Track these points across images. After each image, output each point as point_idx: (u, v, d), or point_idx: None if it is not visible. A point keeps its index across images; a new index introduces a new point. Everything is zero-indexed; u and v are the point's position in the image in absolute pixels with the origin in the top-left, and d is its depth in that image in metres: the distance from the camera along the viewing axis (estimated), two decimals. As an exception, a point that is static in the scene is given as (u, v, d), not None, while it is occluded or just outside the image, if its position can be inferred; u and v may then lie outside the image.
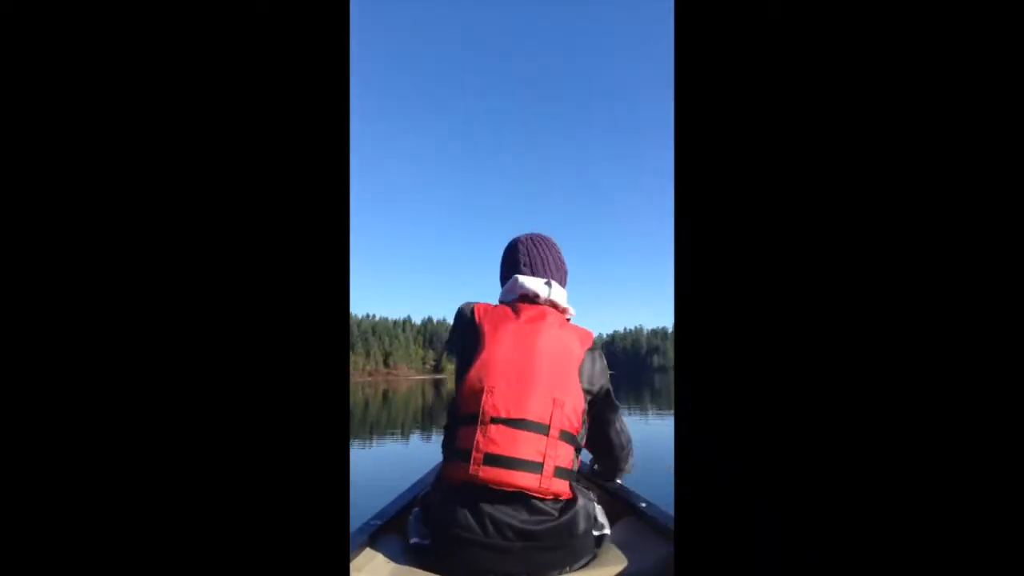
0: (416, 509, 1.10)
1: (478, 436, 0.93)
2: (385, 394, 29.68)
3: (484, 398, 0.96)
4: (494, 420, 0.94)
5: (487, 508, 0.91)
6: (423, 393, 29.98)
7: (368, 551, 1.05)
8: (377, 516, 1.23)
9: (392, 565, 0.99)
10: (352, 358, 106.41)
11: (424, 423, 12.32)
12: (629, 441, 1.25)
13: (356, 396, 28.11)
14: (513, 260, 1.23)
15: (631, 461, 1.28)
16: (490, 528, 0.90)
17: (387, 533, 1.17)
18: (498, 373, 0.98)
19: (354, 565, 0.98)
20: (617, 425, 1.21)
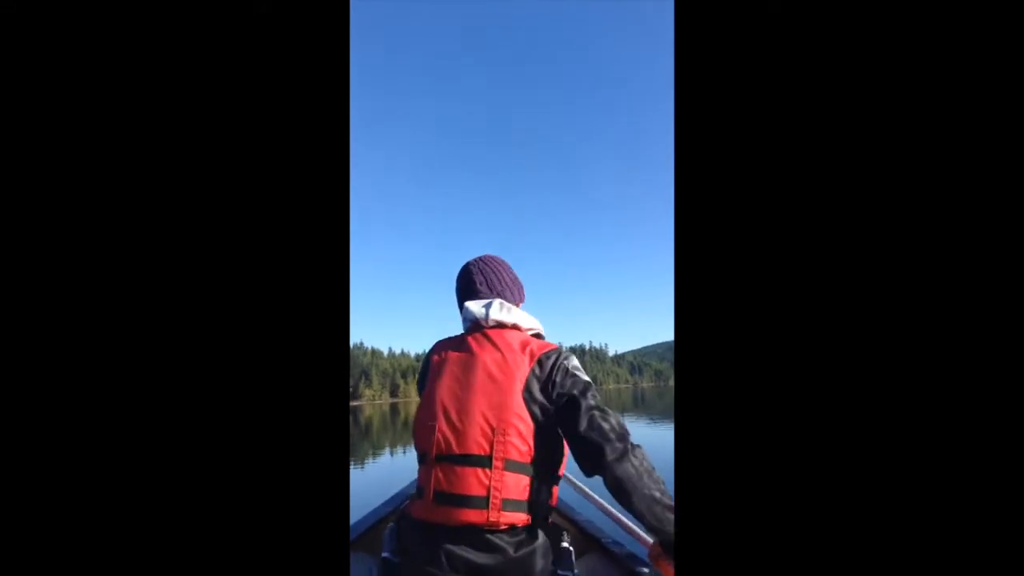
0: (392, 524, 1.09)
1: (431, 474, 0.94)
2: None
3: (431, 436, 0.95)
4: (439, 458, 0.94)
5: (445, 544, 0.91)
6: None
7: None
8: (353, 528, 1.24)
9: None
10: None
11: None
12: (614, 431, 0.94)
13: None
14: (466, 285, 1.15)
15: (636, 451, 0.94)
16: (445, 565, 0.90)
17: (360, 549, 1.19)
18: (440, 409, 0.96)
19: None
20: (586, 423, 0.94)
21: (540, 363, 0.99)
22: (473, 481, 0.91)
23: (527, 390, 0.97)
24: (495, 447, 0.92)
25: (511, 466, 0.93)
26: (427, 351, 1.12)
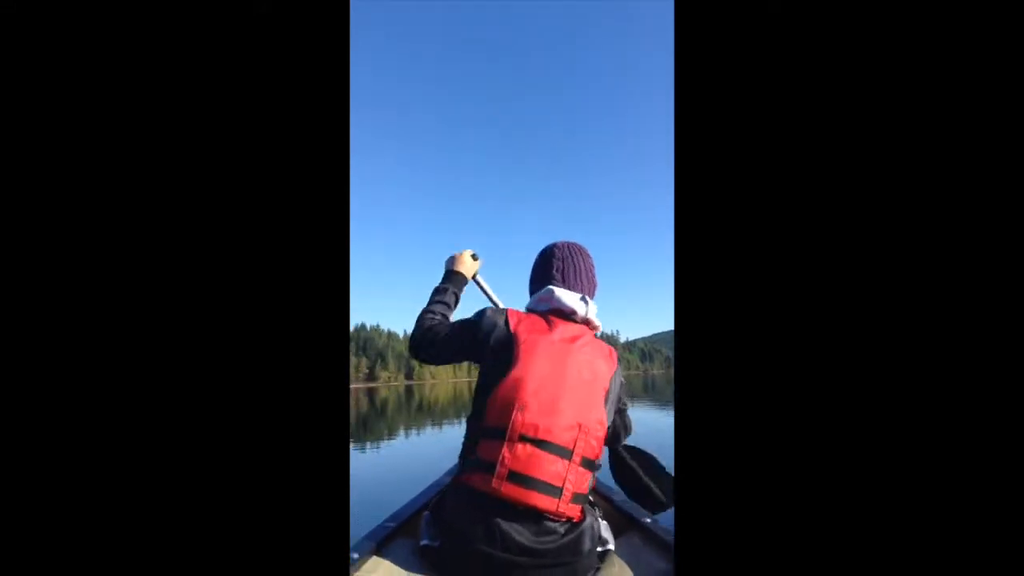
0: (426, 513, 1.11)
1: (504, 451, 0.93)
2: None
3: (514, 414, 0.95)
4: (522, 438, 0.94)
5: (500, 522, 0.92)
6: (356, 402, 29.06)
7: (376, 558, 1.07)
8: (391, 519, 1.27)
9: (401, 571, 1.02)
10: None
11: (358, 434, 12.06)
12: (629, 429, 1.28)
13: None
14: (547, 267, 1.20)
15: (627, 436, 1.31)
16: (499, 541, 0.91)
17: (399, 536, 1.21)
18: (530, 390, 0.96)
19: (366, 567, 1.02)
20: (623, 427, 1.25)
21: (616, 373, 1.10)
22: (551, 470, 0.93)
23: (608, 395, 1.06)
24: (578, 443, 0.96)
25: (586, 463, 0.98)
26: (487, 319, 1.09)
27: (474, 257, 1.32)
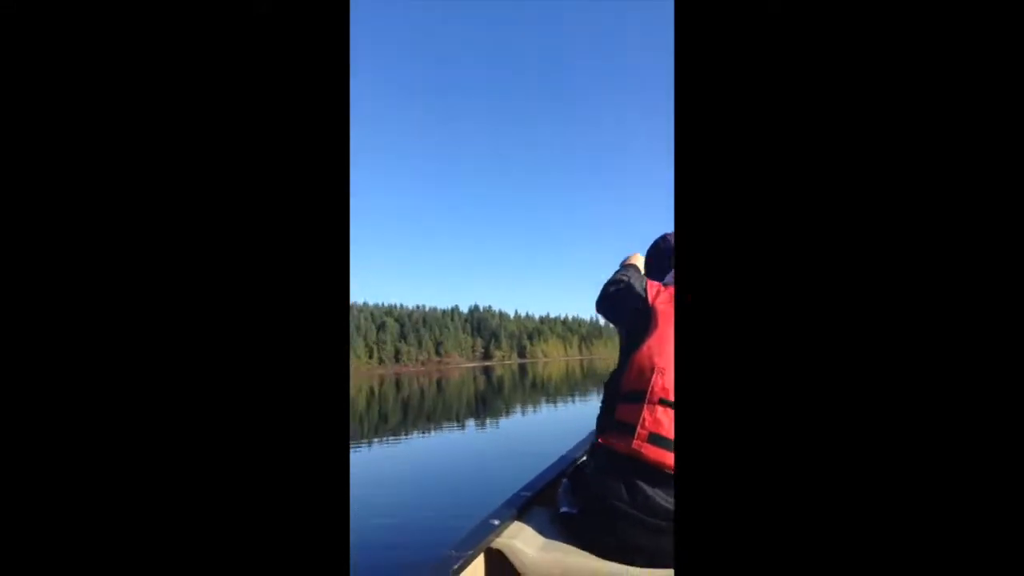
0: (565, 480, 1.15)
1: (644, 413, 0.96)
2: (439, 383, 30.44)
3: (654, 378, 0.98)
4: (662, 401, 0.98)
5: (643, 485, 0.94)
6: (475, 380, 30.53)
7: (518, 523, 1.12)
8: (526, 488, 1.31)
9: (542, 538, 1.06)
10: (405, 348, 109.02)
11: (478, 412, 12.65)
12: None
13: (412, 386, 28.99)
14: (661, 255, 1.38)
15: None
16: (642, 504, 0.93)
17: (536, 504, 1.24)
18: (669, 355, 1.00)
19: (507, 533, 1.07)
20: None
21: None
22: None
23: None
24: None
25: None
26: (629, 287, 1.17)
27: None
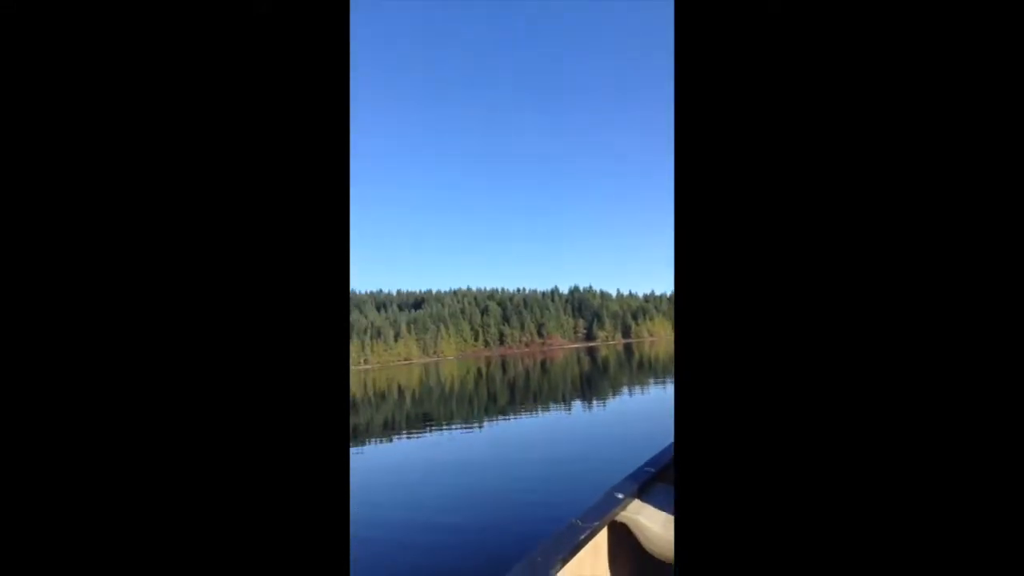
0: None
1: None
2: (543, 364, 30.82)
3: None
4: None
5: None
6: (579, 361, 30.50)
7: (639, 500, 1.15)
8: (649, 464, 1.34)
9: (664, 514, 1.08)
10: (508, 331, 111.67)
11: (584, 392, 12.64)
12: None
13: (516, 368, 29.68)
14: None
15: None
16: None
17: (659, 481, 1.28)
18: None
19: (631, 508, 1.11)
20: None
21: None
22: None
23: None
24: None
25: None
26: None
27: None
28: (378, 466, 5.98)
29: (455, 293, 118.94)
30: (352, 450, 7.05)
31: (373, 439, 7.91)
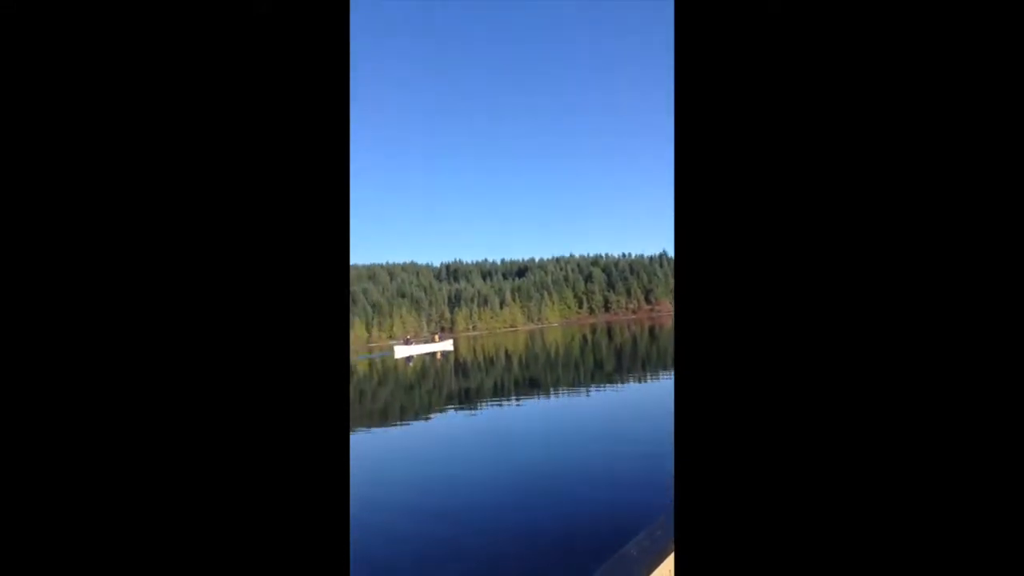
0: None
1: None
2: (652, 331, 29.94)
3: None
4: None
5: None
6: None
7: None
8: None
9: None
10: (614, 297, 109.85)
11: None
12: None
13: (623, 334, 29.16)
14: None
15: None
16: None
17: None
18: None
19: None
20: None
21: None
22: None
23: None
24: None
25: None
26: None
27: None
28: (494, 428, 6.18)
29: (557, 260, 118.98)
30: (465, 412, 7.38)
31: (485, 401, 8.20)
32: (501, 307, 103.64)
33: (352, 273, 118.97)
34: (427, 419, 7.17)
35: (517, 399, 8.32)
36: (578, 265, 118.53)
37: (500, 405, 7.81)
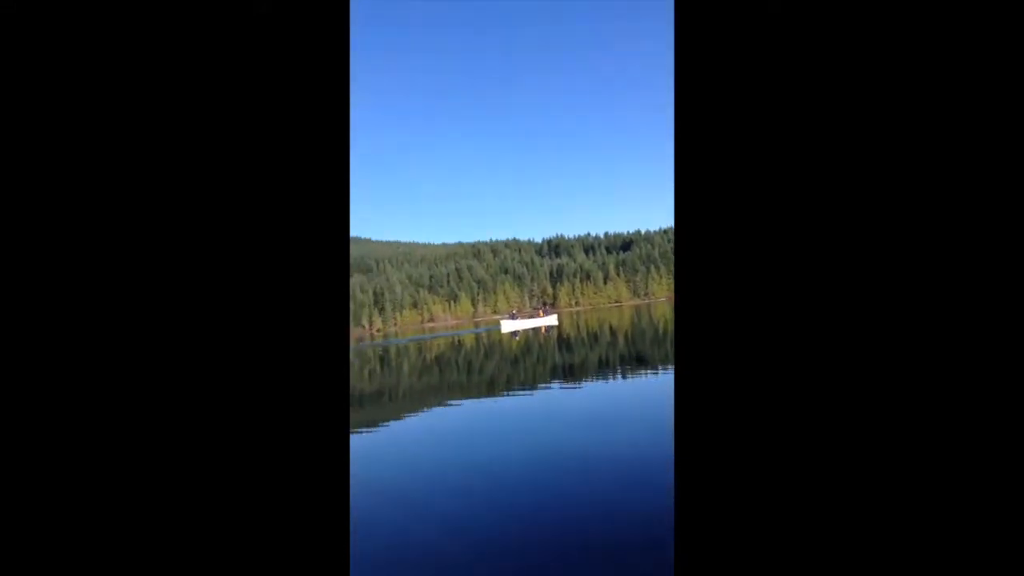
0: None
1: None
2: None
3: None
4: None
5: None
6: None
7: None
8: None
9: None
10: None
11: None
12: None
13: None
14: None
15: None
16: None
17: None
18: None
19: None
20: None
21: None
22: None
23: None
24: None
25: None
26: None
27: None
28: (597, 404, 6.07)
29: (665, 232, 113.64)
30: (570, 386, 7.34)
31: (588, 378, 8.10)
32: (605, 282, 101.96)
33: (458, 250, 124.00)
34: (531, 392, 7.24)
35: (623, 374, 8.09)
36: (668, 237, 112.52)
37: (605, 381, 7.65)
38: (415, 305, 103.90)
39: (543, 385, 7.73)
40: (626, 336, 16.62)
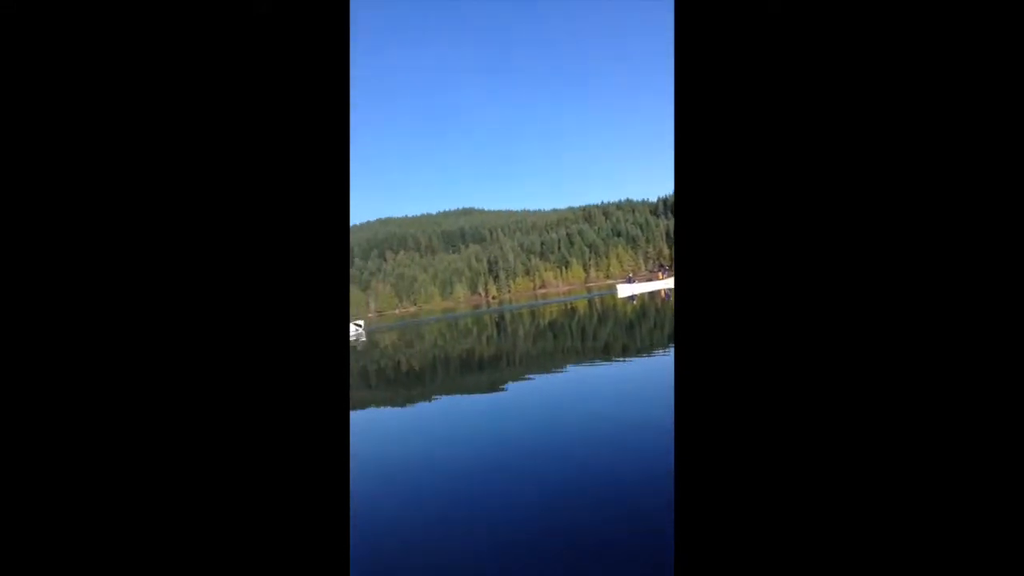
0: None
1: None
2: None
3: None
4: None
5: None
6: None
7: None
8: None
9: None
10: None
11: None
12: None
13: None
14: None
15: None
16: None
17: None
18: None
19: None
20: None
21: None
22: None
23: None
24: None
25: None
26: None
27: None
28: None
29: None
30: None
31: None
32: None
33: (568, 216, 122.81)
34: (649, 354, 7.05)
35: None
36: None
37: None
38: (527, 272, 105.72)
39: (661, 351, 7.49)
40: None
